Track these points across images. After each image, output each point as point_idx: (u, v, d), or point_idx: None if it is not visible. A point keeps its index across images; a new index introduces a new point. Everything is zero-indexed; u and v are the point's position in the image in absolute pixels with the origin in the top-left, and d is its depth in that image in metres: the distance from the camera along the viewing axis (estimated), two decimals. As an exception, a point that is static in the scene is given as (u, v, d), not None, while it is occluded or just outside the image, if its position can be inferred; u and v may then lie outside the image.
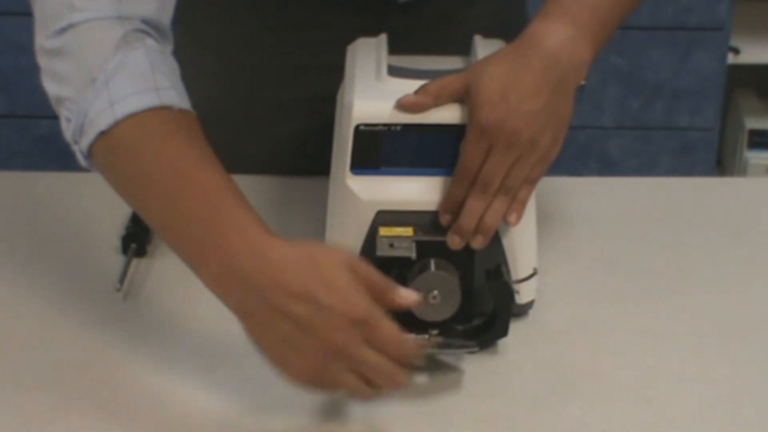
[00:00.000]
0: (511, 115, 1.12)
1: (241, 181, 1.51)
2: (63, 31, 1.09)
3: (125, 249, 1.32)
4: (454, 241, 1.15)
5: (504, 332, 1.16)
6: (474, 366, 1.17)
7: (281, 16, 1.45)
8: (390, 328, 1.02)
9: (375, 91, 1.21)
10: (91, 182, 1.53)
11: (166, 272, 1.30)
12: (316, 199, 1.31)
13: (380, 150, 1.18)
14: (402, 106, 1.16)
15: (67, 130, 1.11)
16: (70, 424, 1.10)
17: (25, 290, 1.28)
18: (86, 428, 1.09)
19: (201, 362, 1.17)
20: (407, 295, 1.05)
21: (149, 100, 1.07)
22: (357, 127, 1.18)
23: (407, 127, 1.18)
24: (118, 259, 1.31)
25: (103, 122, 1.07)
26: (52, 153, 2.93)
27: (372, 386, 1.03)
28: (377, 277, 1.04)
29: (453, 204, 1.16)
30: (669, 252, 1.37)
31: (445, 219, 1.16)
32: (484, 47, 1.28)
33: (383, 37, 1.31)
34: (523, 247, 1.20)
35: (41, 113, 2.90)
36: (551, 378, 1.16)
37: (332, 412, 1.11)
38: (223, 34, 1.44)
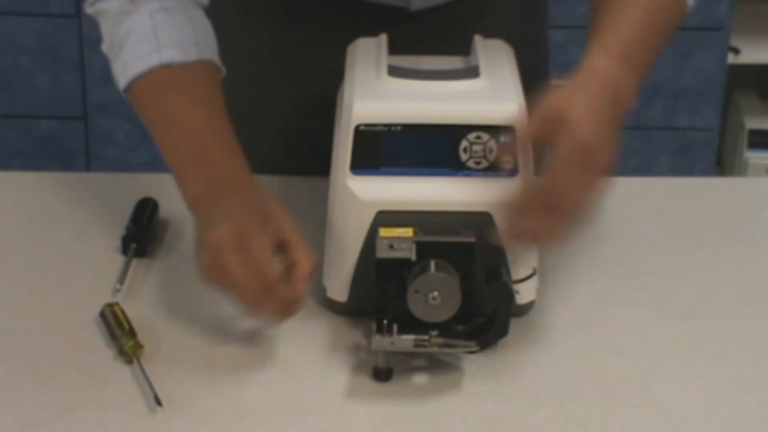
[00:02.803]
0: (603, 142, 1.15)
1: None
2: (93, 3, 1.29)
3: (125, 249, 1.32)
4: (511, 244, 1.17)
5: (504, 332, 1.16)
6: (474, 366, 1.17)
7: (288, 26, 1.44)
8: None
9: (375, 91, 1.21)
10: (91, 182, 1.53)
11: (166, 272, 1.30)
12: (316, 199, 1.30)
13: (380, 150, 1.18)
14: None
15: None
16: (69, 424, 1.09)
17: (25, 290, 1.28)
18: (86, 428, 1.09)
19: (200, 362, 1.17)
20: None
21: (150, 61, 1.24)
22: (357, 128, 1.18)
23: (407, 128, 1.18)
24: (118, 259, 1.31)
25: (122, 82, 1.26)
26: (52, 153, 2.93)
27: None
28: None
29: (520, 210, 1.16)
30: (669, 252, 1.37)
31: (507, 220, 1.17)
32: (483, 47, 1.28)
33: (383, 37, 1.31)
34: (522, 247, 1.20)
35: (41, 113, 2.90)
36: (551, 378, 1.16)
37: (332, 411, 1.11)
38: (226, 37, 1.44)
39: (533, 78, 1.52)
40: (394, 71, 1.23)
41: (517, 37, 1.45)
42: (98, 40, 1.30)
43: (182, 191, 1.22)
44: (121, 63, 1.25)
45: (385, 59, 1.25)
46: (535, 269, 1.21)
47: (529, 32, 1.52)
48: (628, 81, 1.21)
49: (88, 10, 1.30)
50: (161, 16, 1.25)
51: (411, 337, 1.12)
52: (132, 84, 1.24)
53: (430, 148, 1.18)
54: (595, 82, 1.19)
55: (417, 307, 1.14)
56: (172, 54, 1.24)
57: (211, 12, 1.32)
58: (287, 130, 1.51)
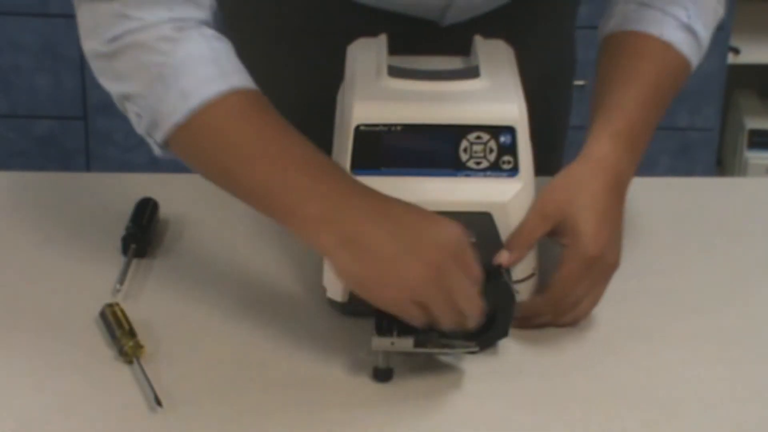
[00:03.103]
0: (609, 249, 1.20)
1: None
2: (121, 36, 1.15)
3: (125, 249, 1.32)
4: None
5: (504, 333, 1.16)
6: (474, 367, 1.17)
7: (311, 35, 1.42)
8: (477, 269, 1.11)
9: (375, 91, 1.21)
10: (91, 182, 1.53)
11: (166, 272, 1.30)
12: (316, 200, 1.30)
13: (380, 150, 1.18)
14: (503, 264, 1.18)
15: (139, 125, 1.19)
16: (69, 424, 1.09)
17: (25, 290, 1.28)
18: (86, 428, 1.09)
19: (200, 362, 1.17)
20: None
21: (218, 87, 1.14)
22: (357, 128, 1.18)
23: (407, 128, 1.18)
24: (118, 260, 1.31)
25: (178, 115, 1.14)
26: (52, 153, 2.93)
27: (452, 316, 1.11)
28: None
29: (533, 316, 1.21)
30: (669, 252, 1.37)
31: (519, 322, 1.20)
32: (484, 47, 1.28)
33: (383, 37, 1.30)
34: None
35: (41, 113, 2.90)
36: (551, 378, 1.16)
37: (332, 411, 1.11)
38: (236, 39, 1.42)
39: (557, 87, 1.53)
40: (394, 71, 1.23)
41: (547, 50, 1.46)
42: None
43: (293, 214, 1.12)
44: (176, 92, 1.14)
45: (385, 59, 1.25)
46: (535, 269, 1.21)
47: (558, 45, 1.52)
48: (630, 166, 1.25)
49: (104, 48, 1.16)
50: (216, 42, 1.17)
51: (411, 337, 1.12)
52: (195, 111, 1.14)
53: (431, 148, 1.18)
54: (602, 173, 1.22)
55: None
56: (238, 79, 1.16)
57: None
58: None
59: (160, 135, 1.16)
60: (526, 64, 1.29)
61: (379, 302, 1.11)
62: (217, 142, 1.15)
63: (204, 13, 1.18)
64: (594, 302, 1.21)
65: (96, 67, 1.19)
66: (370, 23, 1.36)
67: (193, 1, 1.16)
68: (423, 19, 1.38)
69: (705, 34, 1.34)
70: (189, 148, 1.17)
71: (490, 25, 1.37)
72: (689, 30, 1.31)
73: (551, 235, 1.21)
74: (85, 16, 1.18)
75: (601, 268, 1.20)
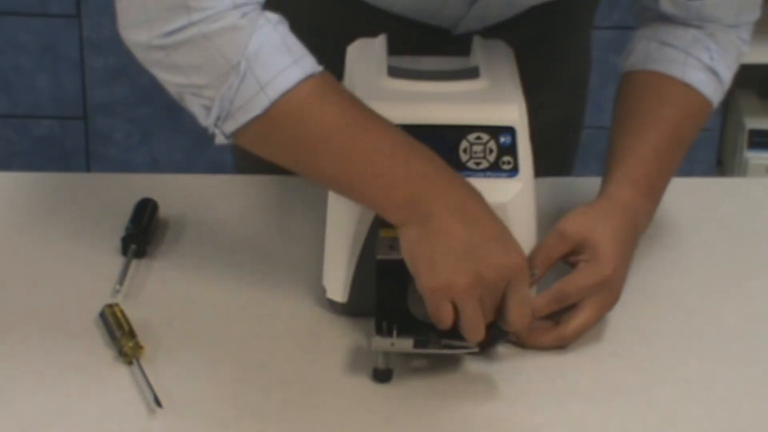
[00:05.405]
0: (620, 279, 1.21)
1: (242, 181, 1.51)
2: (183, 28, 1.11)
3: (125, 250, 1.32)
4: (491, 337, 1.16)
5: (504, 333, 1.16)
6: (474, 367, 1.17)
7: (321, 39, 1.41)
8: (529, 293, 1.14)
9: (375, 91, 1.21)
10: (91, 182, 1.53)
11: (166, 273, 1.30)
12: (316, 200, 1.30)
13: (380, 151, 1.18)
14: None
15: (205, 117, 1.14)
16: (69, 425, 1.09)
17: (25, 290, 1.28)
18: (86, 429, 1.09)
19: (200, 363, 1.17)
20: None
21: (295, 75, 1.12)
22: (357, 128, 1.18)
23: (407, 128, 1.17)
24: (117, 260, 1.31)
25: (257, 107, 1.12)
26: (52, 153, 2.93)
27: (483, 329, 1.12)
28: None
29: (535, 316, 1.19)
30: (669, 252, 1.37)
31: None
32: (483, 48, 1.28)
33: (383, 37, 1.30)
34: (523, 249, 1.19)
35: (41, 113, 2.90)
36: (551, 379, 1.16)
37: (331, 412, 1.11)
38: None
39: (573, 93, 1.52)
40: (394, 72, 1.23)
41: (562, 57, 1.45)
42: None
43: (380, 197, 1.13)
44: (253, 84, 1.11)
45: (385, 59, 1.25)
46: (535, 271, 1.21)
47: (574, 52, 1.52)
48: (648, 214, 1.27)
49: (160, 41, 1.11)
50: (281, 26, 1.14)
51: (411, 338, 1.12)
52: (276, 102, 1.12)
53: (430, 148, 1.18)
54: (620, 214, 1.23)
55: (417, 308, 1.14)
56: (310, 64, 1.14)
57: None
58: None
59: (232, 126, 1.13)
60: (541, 72, 1.28)
61: (421, 285, 1.11)
62: (298, 132, 1.13)
63: None
64: (583, 326, 1.19)
65: (147, 59, 1.14)
66: (381, 29, 1.34)
67: None
68: (434, 27, 1.37)
69: (727, 74, 1.34)
70: (265, 137, 1.15)
71: (502, 36, 1.35)
72: (711, 71, 1.32)
73: (567, 258, 1.21)
74: (132, 5, 1.13)
75: (607, 294, 1.20)
